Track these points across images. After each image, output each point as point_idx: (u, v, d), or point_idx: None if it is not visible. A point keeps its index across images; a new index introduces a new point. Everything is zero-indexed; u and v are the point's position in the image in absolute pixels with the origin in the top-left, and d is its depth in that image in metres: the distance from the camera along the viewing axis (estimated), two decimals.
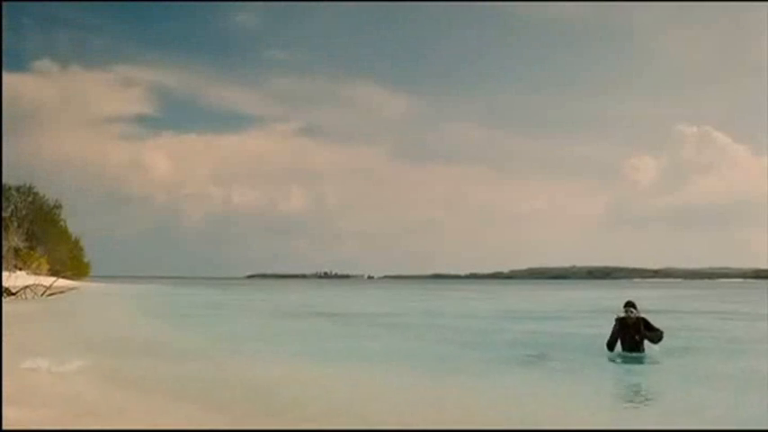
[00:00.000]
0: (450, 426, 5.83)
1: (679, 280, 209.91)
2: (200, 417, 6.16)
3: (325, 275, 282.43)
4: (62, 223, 75.58)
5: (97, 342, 13.53)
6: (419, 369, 10.00)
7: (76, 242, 79.46)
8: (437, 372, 9.71)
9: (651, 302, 35.55)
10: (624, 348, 10.78)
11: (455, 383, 8.56)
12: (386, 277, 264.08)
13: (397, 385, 8.43)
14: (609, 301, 38.06)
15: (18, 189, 66.12)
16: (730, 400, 7.34)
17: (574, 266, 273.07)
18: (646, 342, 10.81)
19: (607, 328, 11.10)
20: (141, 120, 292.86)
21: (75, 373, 8.37)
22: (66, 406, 5.95)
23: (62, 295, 39.06)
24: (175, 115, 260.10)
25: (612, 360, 10.39)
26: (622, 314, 10.93)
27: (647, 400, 7.59)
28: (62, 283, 45.58)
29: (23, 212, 65.43)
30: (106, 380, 7.97)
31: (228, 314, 27.46)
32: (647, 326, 10.90)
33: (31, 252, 60.81)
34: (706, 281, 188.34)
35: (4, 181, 57.55)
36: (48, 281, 41.75)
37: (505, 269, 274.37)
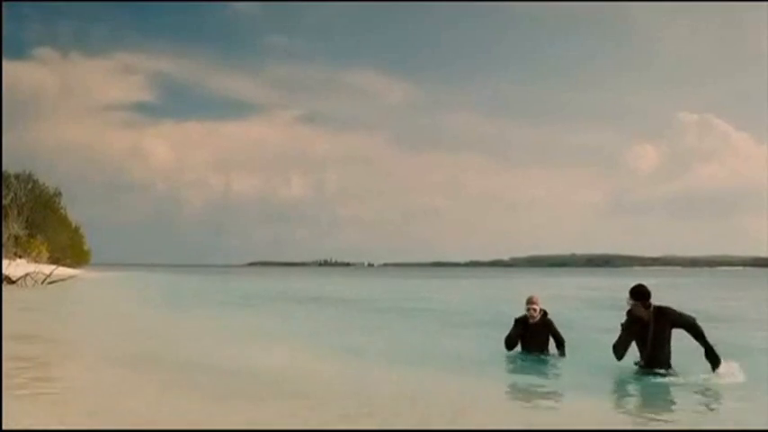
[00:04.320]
0: (451, 425, 5.70)
1: (678, 268, 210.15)
2: (204, 410, 6.10)
3: (326, 263, 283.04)
4: (62, 211, 75.53)
5: (98, 334, 13.42)
6: (415, 363, 9.86)
7: (77, 230, 79.40)
8: (431, 366, 9.37)
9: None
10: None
11: (452, 380, 8.31)
12: (386, 265, 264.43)
13: (393, 382, 8.33)
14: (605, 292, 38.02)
15: (17, 176, 65.94)
16: (730, 397, 7.14)
17: (573, 254, 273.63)
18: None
19: (605, 321, 10.52)
20: (141, 107, 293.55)
21: (77, 367, 8.20)
22: (67, 403, 5.84)
23: (62, 283, 39.01)
24: (175, 103, 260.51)
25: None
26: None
27: (643, 397, 7.26)
28: (62, 270, 45.55)
29: (23, 200, 65.25)
30: (108, 375, 7.82)
31: (230, 302, 27.41)
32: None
33: (31, 240, 60.77)
34: (705, 269, 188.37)
35: (3, 168, 57.37)
36: (48, 269, 41.69)
37: (506, 257, 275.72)
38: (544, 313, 9.35)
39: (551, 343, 9.38)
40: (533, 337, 9.24)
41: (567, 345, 9.32)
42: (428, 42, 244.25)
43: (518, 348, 9.35)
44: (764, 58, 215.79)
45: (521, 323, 9.27)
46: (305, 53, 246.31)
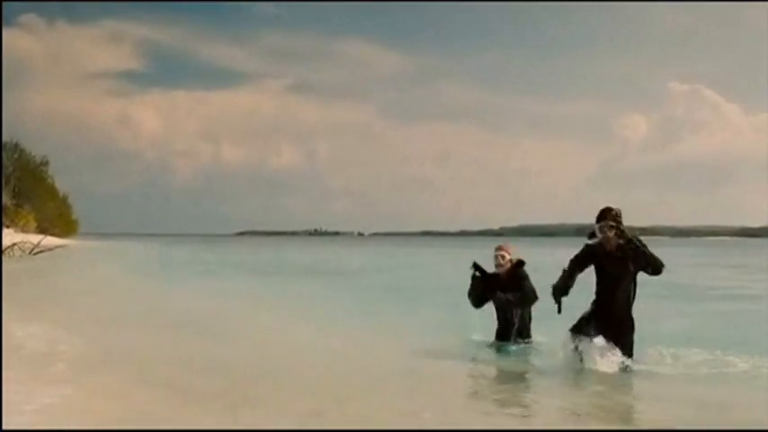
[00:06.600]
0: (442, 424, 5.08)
1: (667, 237, 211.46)
2: (191, 383, 6.12)
3: (315, 232, 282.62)
4: (49, 180, 74.93)
5: (95, 316, 12.74)
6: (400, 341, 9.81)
7: (64, 199, 78.90)
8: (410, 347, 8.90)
9: None
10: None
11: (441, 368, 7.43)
12: (375, 234, 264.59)
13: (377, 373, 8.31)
14: None
15: (4, 145, 65.20)
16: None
17: (563, 224, 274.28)
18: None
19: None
20: (129, 76, 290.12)
21: (76, 359, 7.65)
22: (67, 398, 5.63)
23: (50, 253, 38.80)
24: (164, 71, 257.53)
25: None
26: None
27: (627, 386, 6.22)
28: (50, 240, 45.32)
29: (10, 169, 64.64)
30: (107, 367, 7.30)
31: (217, 271, 27.35)
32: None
33: (19, 209, 60.37)
34: (693, 238, 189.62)
35: None
36: (35, 238, 41.47)
37: (495, 226, 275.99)
38: (519, 264, 7.80)
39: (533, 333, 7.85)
40: (502, 291, 7.66)
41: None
42: (420, 12, 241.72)
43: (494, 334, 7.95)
44: (756, 30, 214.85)
45: (486, 276, 7.77)
46: (295, 21, 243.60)
